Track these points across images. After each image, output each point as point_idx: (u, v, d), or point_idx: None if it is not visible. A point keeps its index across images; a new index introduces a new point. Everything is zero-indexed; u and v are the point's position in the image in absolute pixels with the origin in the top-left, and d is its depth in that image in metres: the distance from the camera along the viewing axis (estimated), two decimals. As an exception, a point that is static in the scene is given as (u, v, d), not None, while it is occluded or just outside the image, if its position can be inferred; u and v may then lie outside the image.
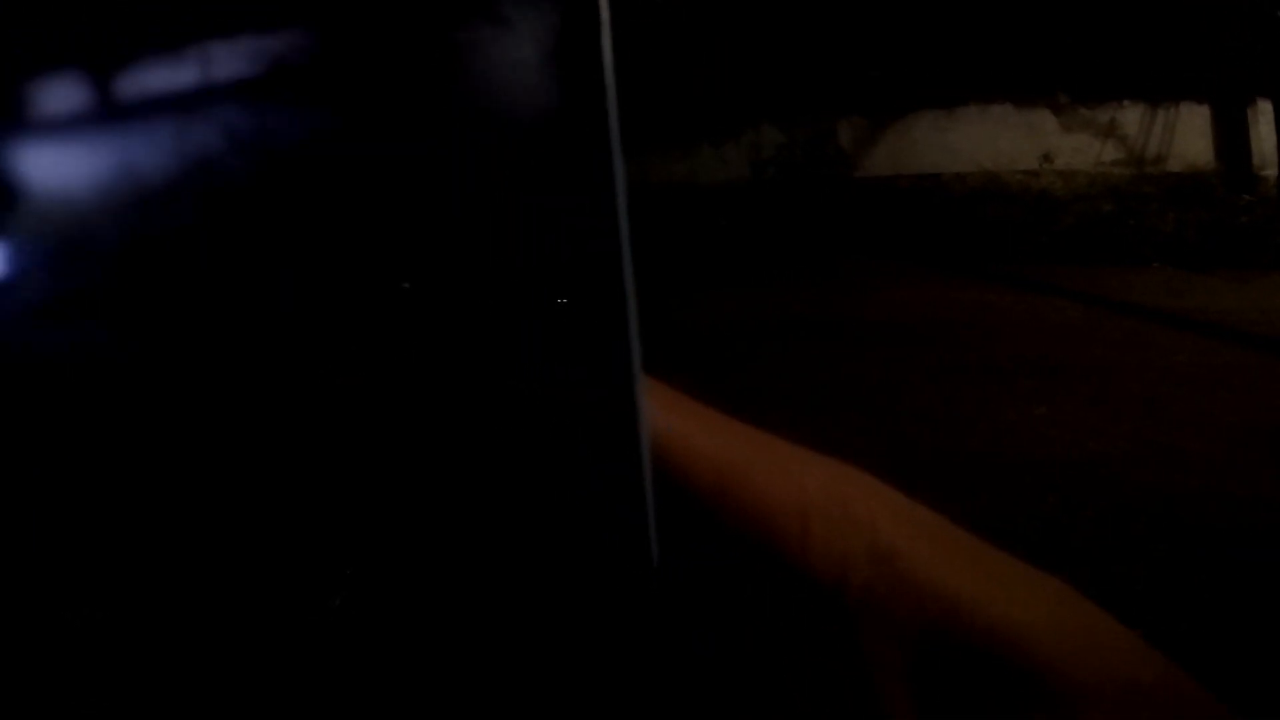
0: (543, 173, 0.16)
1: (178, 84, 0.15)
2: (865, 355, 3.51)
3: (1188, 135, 6.97)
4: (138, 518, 0.15)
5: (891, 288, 4.56)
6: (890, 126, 7.04)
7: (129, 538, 0.15)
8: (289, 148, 0.15)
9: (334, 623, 0.15)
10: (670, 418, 0.19)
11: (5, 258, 0.15)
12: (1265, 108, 6.63)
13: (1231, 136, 6.83)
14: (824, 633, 0.19)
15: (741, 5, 7.00)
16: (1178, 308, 4.27)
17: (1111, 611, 0.19)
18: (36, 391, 0.15)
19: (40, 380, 0.15)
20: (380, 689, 0.16)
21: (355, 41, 0.15)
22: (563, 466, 0.16)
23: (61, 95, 0.15)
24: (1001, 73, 7.15)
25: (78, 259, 0.15)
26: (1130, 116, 7.12)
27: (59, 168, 0.15)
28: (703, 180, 6.85)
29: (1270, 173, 6.43)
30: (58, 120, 0.15)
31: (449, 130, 0.16)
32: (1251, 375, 3.33)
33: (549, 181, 0.16)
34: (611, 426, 0.16)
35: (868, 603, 0.19)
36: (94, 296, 0.15)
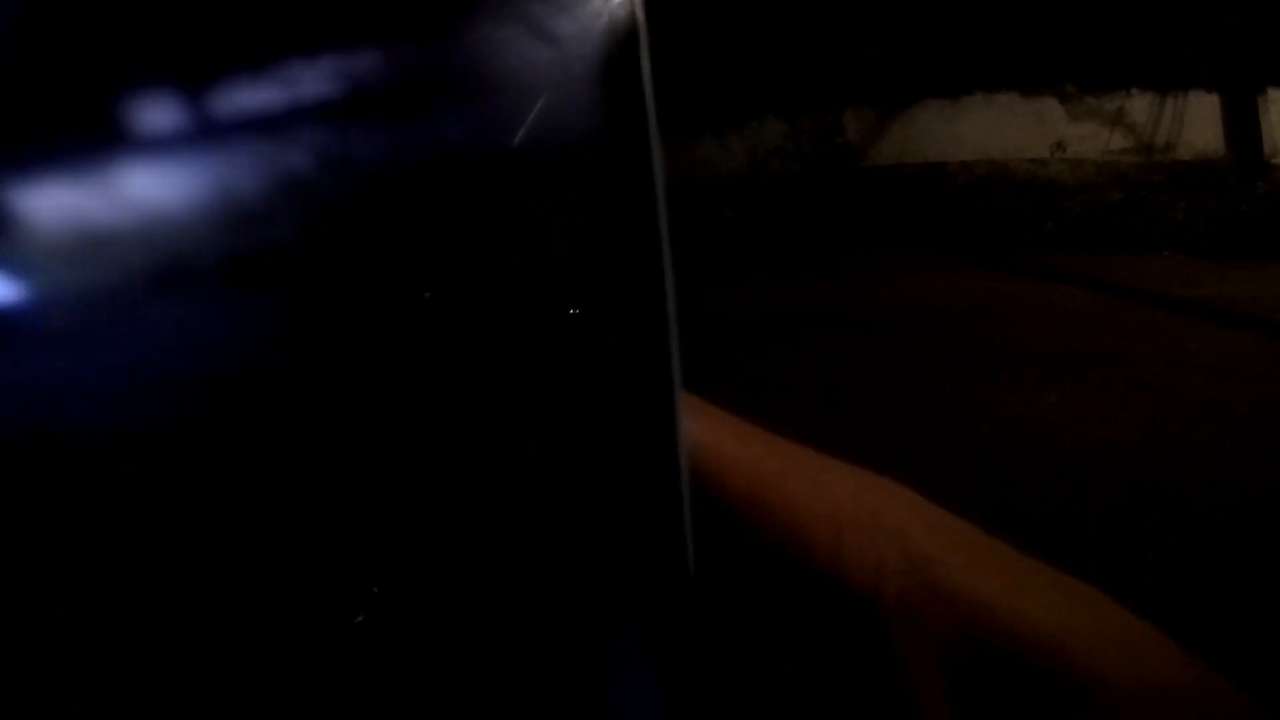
0: (587, 187, 0.16)
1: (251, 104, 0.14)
2: (873, 346, 3.49)
3: (1197, 123, 6.92)
4: (165, 528, 0.14)
5: (898, 278, 4.53)
6: (896, 116, 7.00)
7: (155, 549, 0.14)
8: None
9: (358, 637, 0.15)
10: (701, 427, 0.19)
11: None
12: (1276, 95, 6.57)
13: (1242, 125, 6.78)
14: (857, 640, 0.19)
15: (744, -6, 6.96)
16: (1189, 296, 4.23)
17: (1122, 605, 0.19)
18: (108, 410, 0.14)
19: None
20: (421, 697, 0.16)
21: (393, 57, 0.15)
22: (602, 478, 0.16)
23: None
24: (1007, 62, 7.11)
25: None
26: (1138, 105, 7.07)
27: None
28: (706, 172, 6.82)
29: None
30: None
31: (490, 141, 0.15)
32: (1265, 364, 3.30)
33: (594, 196, 0.16)
34: (651, 439, 0.16)
35: (903, 611, 0.19)
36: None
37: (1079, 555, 2.04)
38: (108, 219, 0.13)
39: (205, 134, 0.14)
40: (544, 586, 0.16)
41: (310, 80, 0.14)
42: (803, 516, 0.19)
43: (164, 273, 0.13)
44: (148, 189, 0.13)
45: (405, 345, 0.15)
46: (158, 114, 0.13)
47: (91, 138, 0.13)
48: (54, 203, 0.13)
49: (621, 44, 0.16)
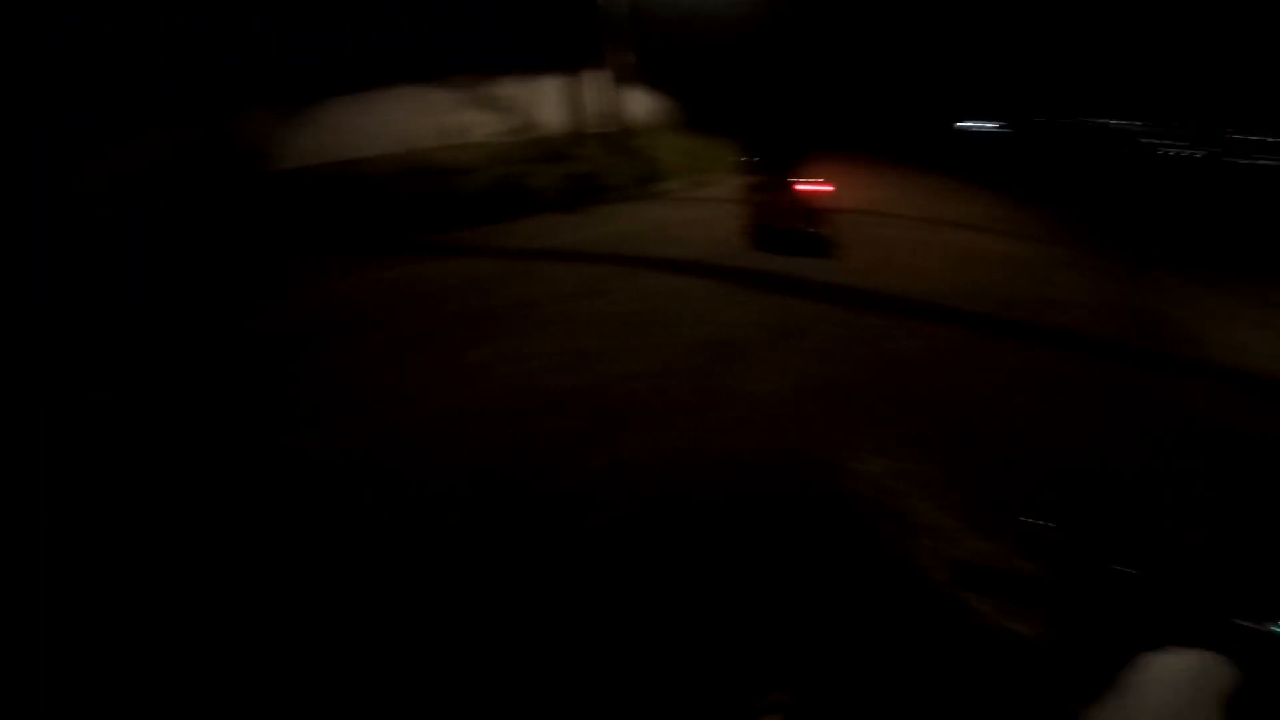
0: None
1: None
2: (318, 349, 3.45)
3: (551, 105, 8.65)
4: None
5: (328, 277, 4.55)
6: (301, 116, 6.83)
7: None
8: None
9: None
10: None
11: None
12: (589, 78, 8.68)
13: (574, 103, 8.75)
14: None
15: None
16: (557, 245, 5.43)
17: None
18: None
19: None
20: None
21: None
22: None
23: None
24: (407, 57, 7.62)
25: None
26: (511, 92, 8.43)
27: None
28: (87, 190, 5.54)
29: (610, 129, 8.56)
30: None
31: None
32: (616, 283, 4.51)
33: None
34: None
35: None
36: None
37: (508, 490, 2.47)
38: None
39: None
40: None
41: None
42: None
43: None
44: None
45: None
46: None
47: None
48: None
49: None
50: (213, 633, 1.72)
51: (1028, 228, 6.93)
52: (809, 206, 5.52)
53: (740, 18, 10.91)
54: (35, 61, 5.83)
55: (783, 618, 1.81)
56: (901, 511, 2.34)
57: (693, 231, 5.96)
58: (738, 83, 11.25)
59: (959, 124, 14.85)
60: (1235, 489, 2.62)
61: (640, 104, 9.44)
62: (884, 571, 2.02)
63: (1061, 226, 7.09)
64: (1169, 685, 0.48)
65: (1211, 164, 11.62)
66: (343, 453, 2.55)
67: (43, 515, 2.22)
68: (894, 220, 6.85)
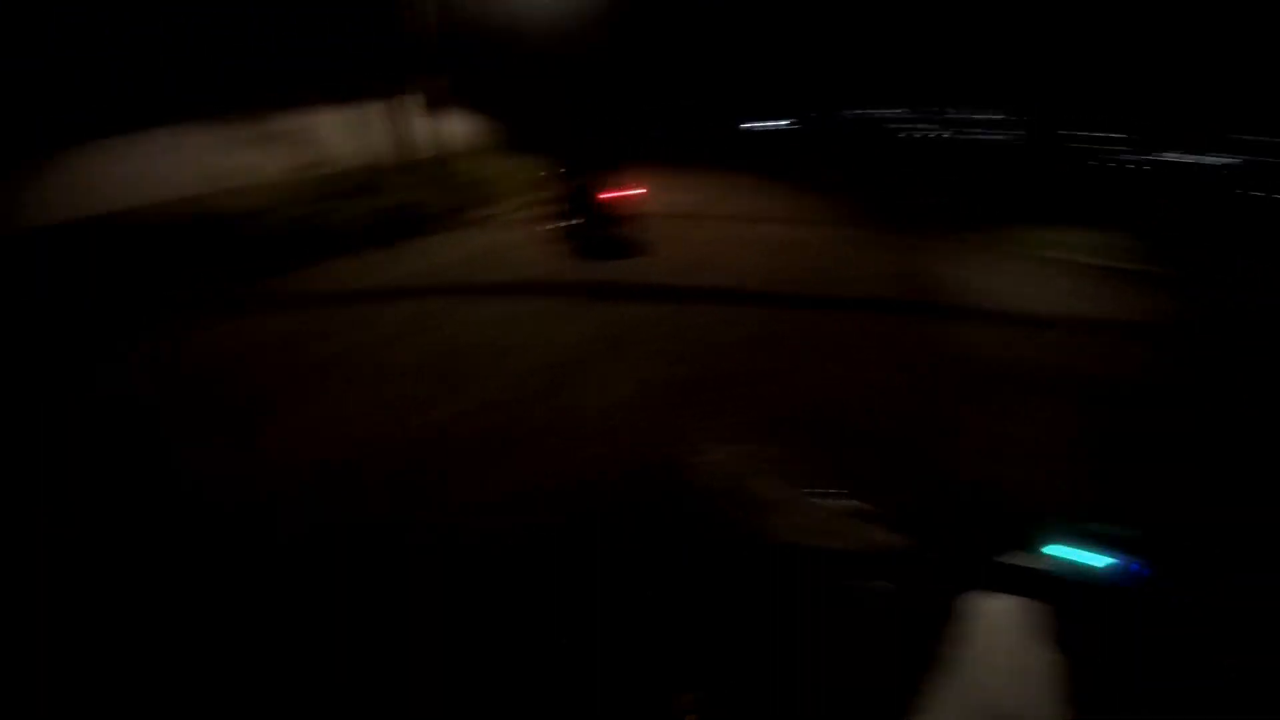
0: None
1: None
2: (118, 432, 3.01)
3: (358, 135, 8.16)
4: None
5: (102, 352, 3.97)
6: (57, 163, 5.85)
7: None
8: None
9: None
10: None
11: None
12: (403, 104, 8.29)
13: (385, 132, 8.34)
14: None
15: None
16: (377, 283, 5.19)
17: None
18: None
19: None
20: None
21: None
22: None
23: None
24: (190, 92, 6.81)
25: None
26: (313, 123, 7.82)
27: None
28: None
29: (424, 156, 8.27)
30: None
31: None
32: (434, 319, 4.39)
33: None
34: None
35: None
36: None
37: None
38: None
39: None
40: None
41: None
42: None
43: None
44: None
45: None
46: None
47: None
48: None
49: None
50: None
51: (819, 214, 7.73)
52: (620, 212, 5.83)
53: (548, 41, 11.07)
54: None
55: (663, 612, 1.91)
56: (750, 491, 2.55)
57: (517, 253, 5.97)
58: (551, 102, 11.42)
59: (753, 124, 16.19)
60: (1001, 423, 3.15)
61: (458, 128, 9.24)
62: (743, 551, 2.20)
63: (848, 210, 7.99)
64: (999, 630, 0.54)
65: (955, 141, 13.69)
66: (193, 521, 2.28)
67: None
68: (703, 219, 7.34)
